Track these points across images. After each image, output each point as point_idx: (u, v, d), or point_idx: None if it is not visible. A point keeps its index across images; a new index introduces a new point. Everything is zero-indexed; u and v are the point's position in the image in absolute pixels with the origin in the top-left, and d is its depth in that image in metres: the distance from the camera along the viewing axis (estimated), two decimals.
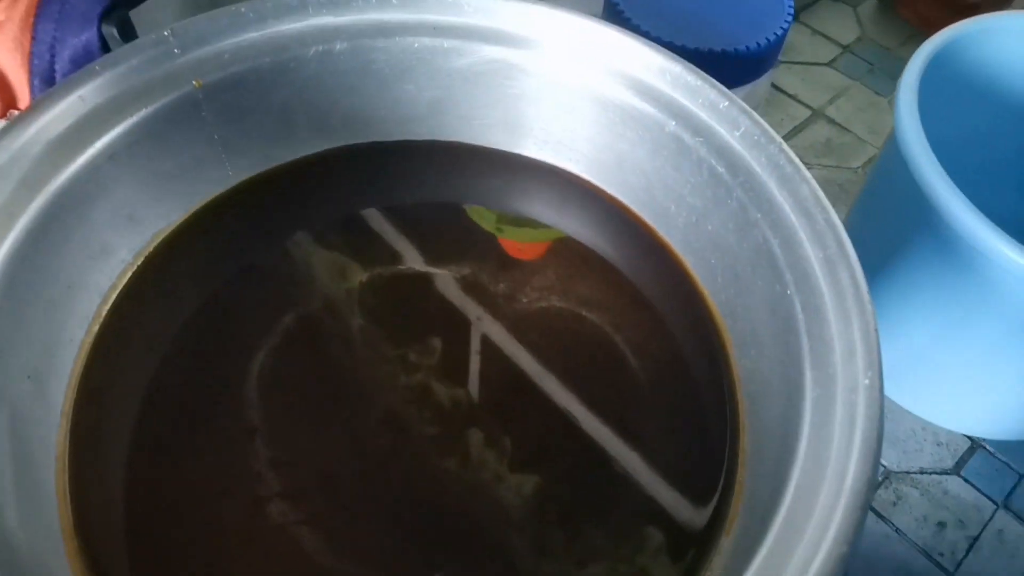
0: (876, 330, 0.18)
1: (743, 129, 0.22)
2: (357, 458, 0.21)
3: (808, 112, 0.40)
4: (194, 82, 0.22)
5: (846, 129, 0.39)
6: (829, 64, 0.42)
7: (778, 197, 0.21)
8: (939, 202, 0.22)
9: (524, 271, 0.25)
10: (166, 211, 0.24)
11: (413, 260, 0.25)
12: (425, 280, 0.25)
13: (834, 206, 0.36)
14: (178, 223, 0.24)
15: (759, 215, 0.21)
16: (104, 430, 0.20)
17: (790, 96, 0.40)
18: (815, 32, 0.44)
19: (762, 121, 0.22)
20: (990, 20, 0.27)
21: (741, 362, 0.23)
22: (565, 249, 0.26)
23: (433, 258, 0.25)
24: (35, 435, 0.19)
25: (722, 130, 0.22)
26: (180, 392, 0.22)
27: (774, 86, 0.41)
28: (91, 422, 0.20)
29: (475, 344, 0.24)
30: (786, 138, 0.39)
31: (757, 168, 0.21)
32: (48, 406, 0.20)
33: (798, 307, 0.19)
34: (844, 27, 0.44)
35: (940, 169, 0.22)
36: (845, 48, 0.43)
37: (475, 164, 0.28)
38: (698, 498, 0.21)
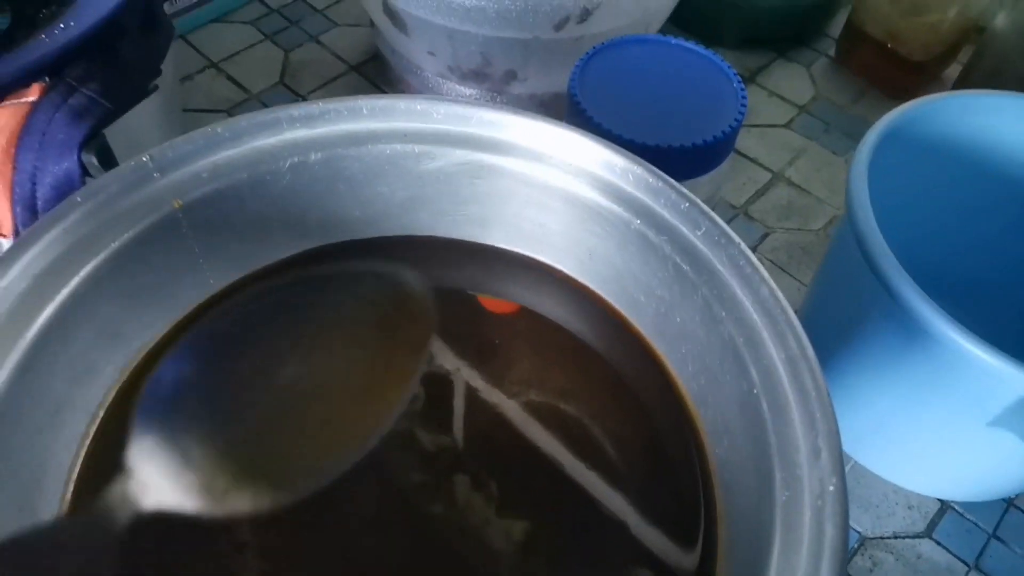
0: (838, 434, 0.19)
1: (704, 229, 0.23)
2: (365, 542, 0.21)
3: (769, 175, 0.41)
4: (174, 203, 0.23)
5: (805, 191, 0.40)
6: (786, 125, 0.44)
7: (740, 296, 0.22)
8: (894, 291, 0.23)
9: (502, 362, 0.26)
10: (149, 323, 0.24)
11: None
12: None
13: (797, 269, 0.37)
14: (162, 335, 0.25)
15: (724, 312, 0.22)
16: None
17: (751, 160, 0.42)
18: (771, 94, 0.45)
19: (721, 222, 0.23)
20: (932, 102, 0.29)
21: (715, 451, 0.23)
22: (542, 337, 0.27)
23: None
24: None
25: (684, 229, 0.23)
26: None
27: (736, 151, 0.42)
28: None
29: (457, 438, 0.24)
30: (749, 202, 0.40)
31: (720, 267, 0.22)
32: None
33: (765, 406, 0.20)
34: (799, 87, 0.46)
35: (892, 257, 0.23)
36: (801, 108, 0.45)
37: (451, 255, 0.29)
38: None
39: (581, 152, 0.25)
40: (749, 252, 0.22)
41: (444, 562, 0.22)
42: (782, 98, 0.45)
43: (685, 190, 0.24)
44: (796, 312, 0.21)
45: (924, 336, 0.23)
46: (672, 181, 0.24)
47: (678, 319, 0.24)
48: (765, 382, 0.21)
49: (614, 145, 0.25)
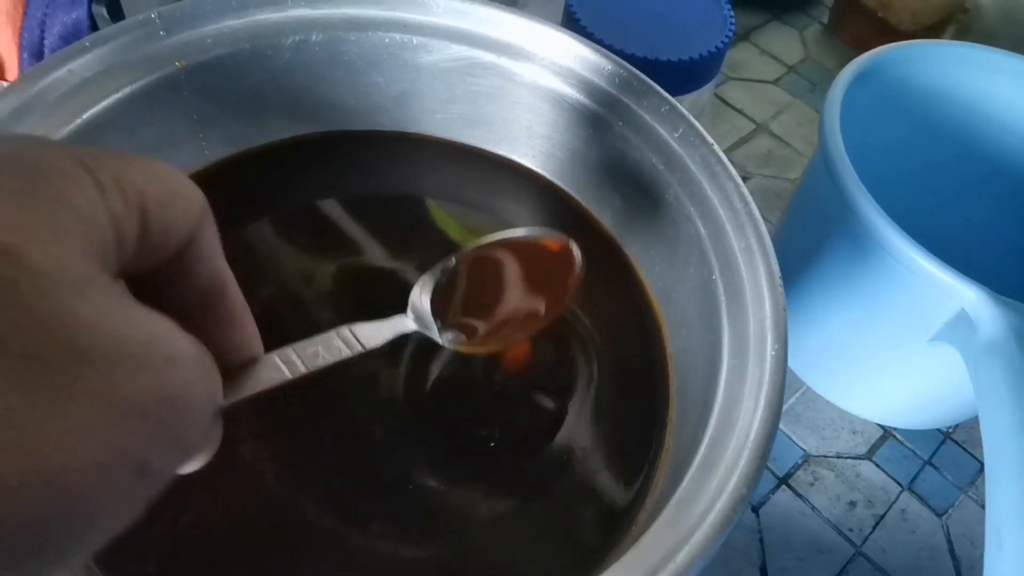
0: (784, 308, 0.20)
1: (681, 131, 0.24)
2: (327, 427, 0.23)
3: (752, 125, 0.42)
4: (177, 63, 0.24)
5: (786, 143, 0.42)
6: (774, 82, 0.45)
7: (709, 192, 0.23)
8: (852, 203, 0.25)
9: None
10: None
11: (374, 252, 0.27)
12: (386, 271, 0.27)
13: (771, 212, 0.39)
14: None
15: (692, 208, 0.23)
16: None
17: (736, 110, 0.43)
18: (763, 52, 0.47)
19: (697, 124, 0.24)
20: (908, 47, 0.30)
21: (674, 342, 0.25)
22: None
23: (394, 253, 0.27)
24: None
25: (663, 131, 0.25)
26: None
27: (722, 100, 0.43)
28: None
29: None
30: (731, 148, 0.41)
31: (692, 166, 0.24)
32: None
33: (721, 290, 0.21)
34: (790, 48, 0.47)
35: (853, 173, 0.25)
36: (790, 68, 0.46)
37: (437, 156, 0.30)
38: (631, 468, 0.23)
39: (572, 54, 0.26)
40: (720, 152, 0.24)
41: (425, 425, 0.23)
42: (773, 57, 0.46)
43: (666, 94, 0.25)
44: None
45: (878, 250, 0.24)
46: (655, 85, 0.25)
47: (649, 220, 0.26)
48: (724, 269, 0.22)
49: (603, 49, 0.26)
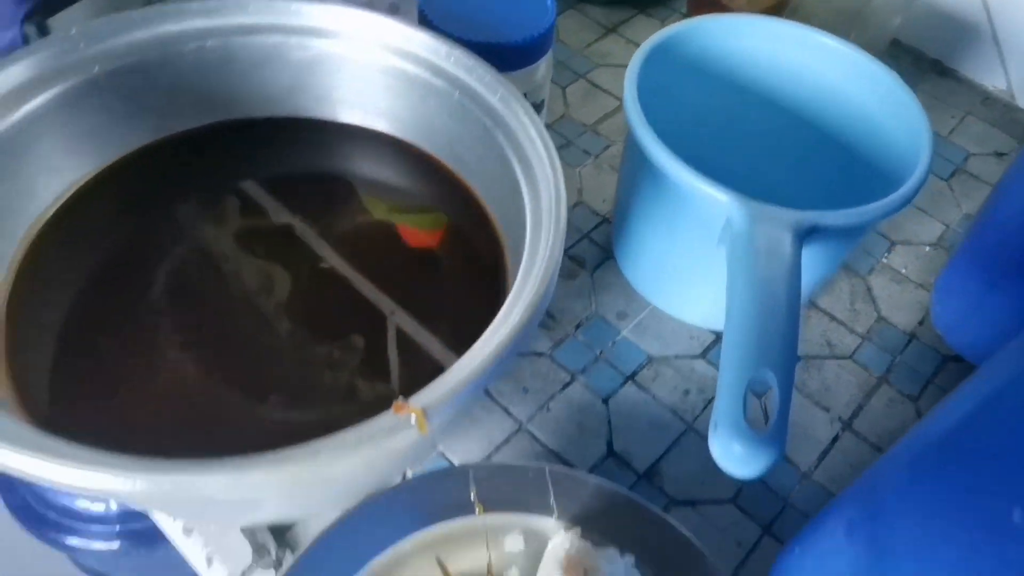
0: (559, 172, 0.27)
1: (500, 94, 0.31)
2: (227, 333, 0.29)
3: (617, 103, 0.49)
4: (96, 68, 0.30)
5: None
6: None
7: (519, 133, 0.30)
8: (637, 136, 0.31)
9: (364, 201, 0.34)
10: (80, 164, 0.32)
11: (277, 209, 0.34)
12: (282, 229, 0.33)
13: None
14: (91, 176, 0.32)
15: (511, 151, 0.30)
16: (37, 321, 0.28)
17: (604, 91, 0.50)
18: (629, 41, 0.54)
19: (510, 85, 0.31)
20: (696, 22, 0.37)
21: (504, 227, 0.31)
22: (400, 188, 0.35)
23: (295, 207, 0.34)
24: None
25: (487, 95, 0.31)
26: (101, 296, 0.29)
27: (593, 83, 0.50)
28: (25, 319, 0.28)
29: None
30: (599, 122, 0.48)
31: (508, 119, 0.30)
32: None
33: (526, 198, 0.28)
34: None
35: (639, 112, 0.32)
36: None
37: (329, 137, 0.36)
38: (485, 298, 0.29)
39: (417, 43, 0.33)
40: (527, 104, 0.30)
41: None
42: (636, 44, 0.53)
43: (489, 66, 0.32)
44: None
45: (664, 177, 0.31)
46: (481, 60, 0.32)
47: (486, 164, 0.32)
48: (530, 189, 0.28)
49: (440, 35, 0.32)
